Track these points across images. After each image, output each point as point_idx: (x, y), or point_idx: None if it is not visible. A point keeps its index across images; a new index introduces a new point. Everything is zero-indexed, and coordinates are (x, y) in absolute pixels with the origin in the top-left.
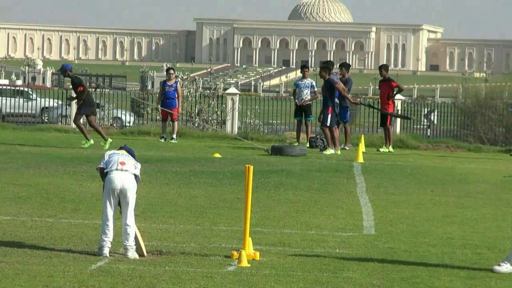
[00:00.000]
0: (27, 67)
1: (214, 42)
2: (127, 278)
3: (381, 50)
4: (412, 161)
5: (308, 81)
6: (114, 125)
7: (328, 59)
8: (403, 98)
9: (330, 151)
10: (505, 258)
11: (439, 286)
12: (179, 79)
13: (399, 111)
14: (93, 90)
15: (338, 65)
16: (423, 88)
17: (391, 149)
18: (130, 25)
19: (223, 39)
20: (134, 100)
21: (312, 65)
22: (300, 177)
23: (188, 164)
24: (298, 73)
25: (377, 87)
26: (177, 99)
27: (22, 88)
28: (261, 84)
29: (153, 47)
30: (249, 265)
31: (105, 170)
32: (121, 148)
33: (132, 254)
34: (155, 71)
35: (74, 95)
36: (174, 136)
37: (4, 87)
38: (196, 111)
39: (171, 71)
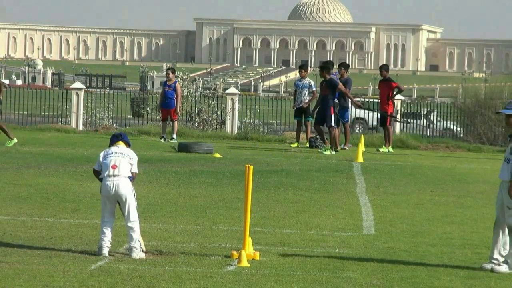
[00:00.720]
0: (27, 67)
1: (214, 42)
2: (127, 278)
3: (380, 50)
4: (412, 161)
5: (306, 81)
6: (114, 125)
7: (328, 59)
8: (403, 98)
9: (330, 152)
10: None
11: (439, 286)
12: (179, 79)
13: (399, 112)
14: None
15: (337, 65)
16: (423, 88)
17: (390, 149)
18: (130, 25)
19: (223, 39)
20: (134, 100)
21: (312, 65)
22: (300, 177)
23: (188, 164)
24: (298, 74)
25: (377, 87)
26: (175, 99)
27: None
28: (261, 84)
29: (153, 47)
30: (249, 265)
31: (100, 176)
32: (117, 139)
33: (137, 254)
34: (155, 71)
35: None
36: (174, 136)
37: None
38: (196, 111)
39: (169, 72)
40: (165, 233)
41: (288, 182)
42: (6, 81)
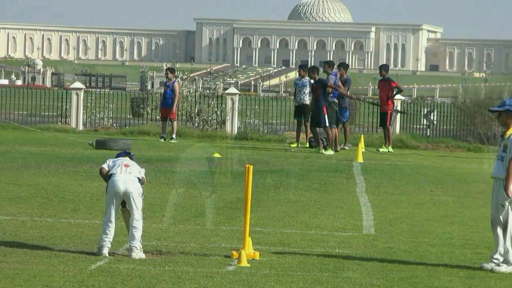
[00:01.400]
0: (27, 67)
1: (214, 42)
2: (127, 278)
3: (380, 50)
4: (412, 161)
5: (305, 79)
6: (114, 125)
7: (328, 59)
8: (402, 98)
9: (330, 152)
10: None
11: (439, 286)
12: (179, 79)
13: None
14: None
15: (336, 65)
16: (423, 88)
17: (390, 149)
18: (130, 25)
19: (223, 39)
20: (133, 100)
21: (312, 65)
22: (300, 177)
23: (188, 164)
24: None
25: (377, 87)
26: (173, 99)
27: None
28: (261, 84)
29: (153, 47)
30: (249, 265)
31: (109, 172)
32: (125, 155)
33: (137, 254)
34: (155, 71)
35: None
36: (174, 136)
37: None
38: (196, 111)
39: (168, 72)
40: (165, 233)
41: (288, 182)
42: (6, 81)
